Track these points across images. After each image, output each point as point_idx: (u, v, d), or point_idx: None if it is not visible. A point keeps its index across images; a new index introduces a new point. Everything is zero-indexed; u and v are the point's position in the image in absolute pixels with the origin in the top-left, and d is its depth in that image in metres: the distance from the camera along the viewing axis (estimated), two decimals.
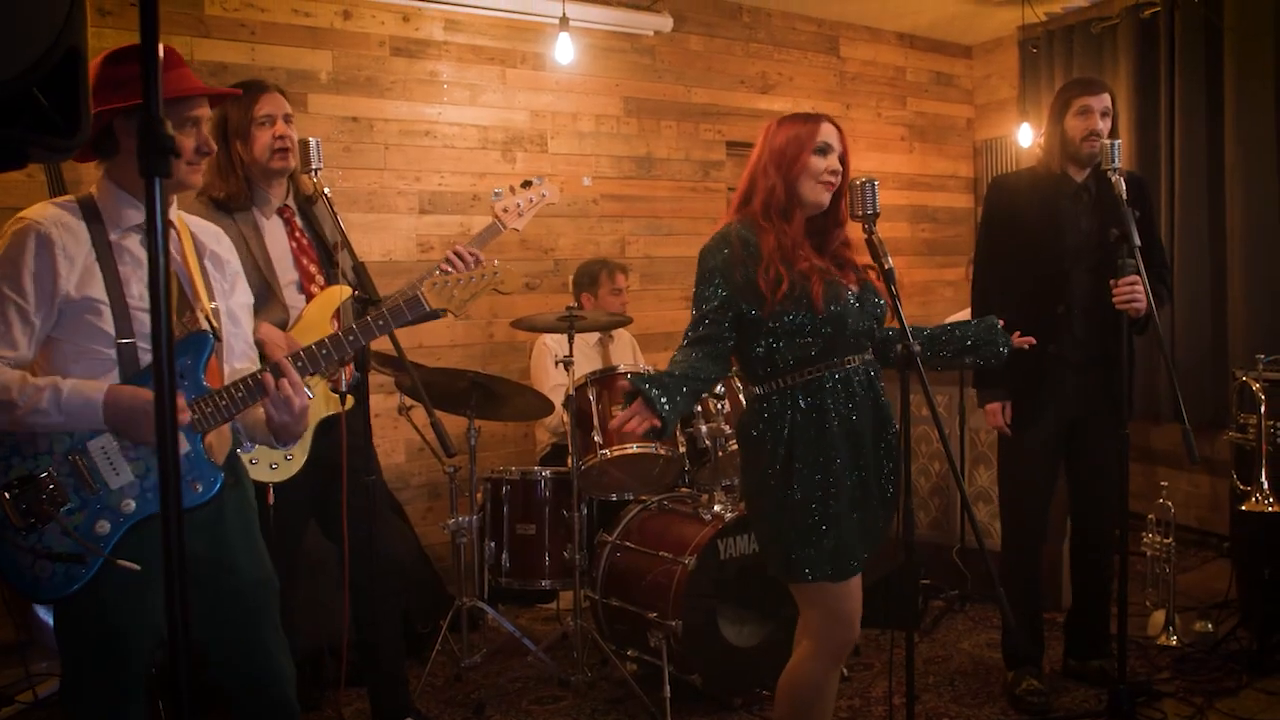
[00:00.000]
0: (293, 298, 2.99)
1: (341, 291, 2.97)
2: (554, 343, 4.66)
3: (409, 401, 3.92)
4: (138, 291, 2.16)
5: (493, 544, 3.98)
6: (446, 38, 5.06)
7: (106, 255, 2.14)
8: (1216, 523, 5.35)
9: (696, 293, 2.56)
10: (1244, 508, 3.71)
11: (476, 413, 3.91)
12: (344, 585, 2.93)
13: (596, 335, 4.79)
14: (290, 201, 3.09)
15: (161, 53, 2.16)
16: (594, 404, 3.82)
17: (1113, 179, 3.15)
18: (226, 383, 2.20)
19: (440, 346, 5.04)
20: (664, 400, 2.38)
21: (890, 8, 6.29)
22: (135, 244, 2.20)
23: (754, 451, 2.58)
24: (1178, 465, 5.56)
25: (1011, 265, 3.49)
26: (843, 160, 2.57)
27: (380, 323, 2.39)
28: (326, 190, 2.88)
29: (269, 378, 2.16)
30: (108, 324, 2.12)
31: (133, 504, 2.11)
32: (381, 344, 2.72)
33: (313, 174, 2.87)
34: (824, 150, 2.53)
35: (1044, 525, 3.63)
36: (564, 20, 4.99)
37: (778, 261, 2.47)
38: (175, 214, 2.30)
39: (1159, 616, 4.05)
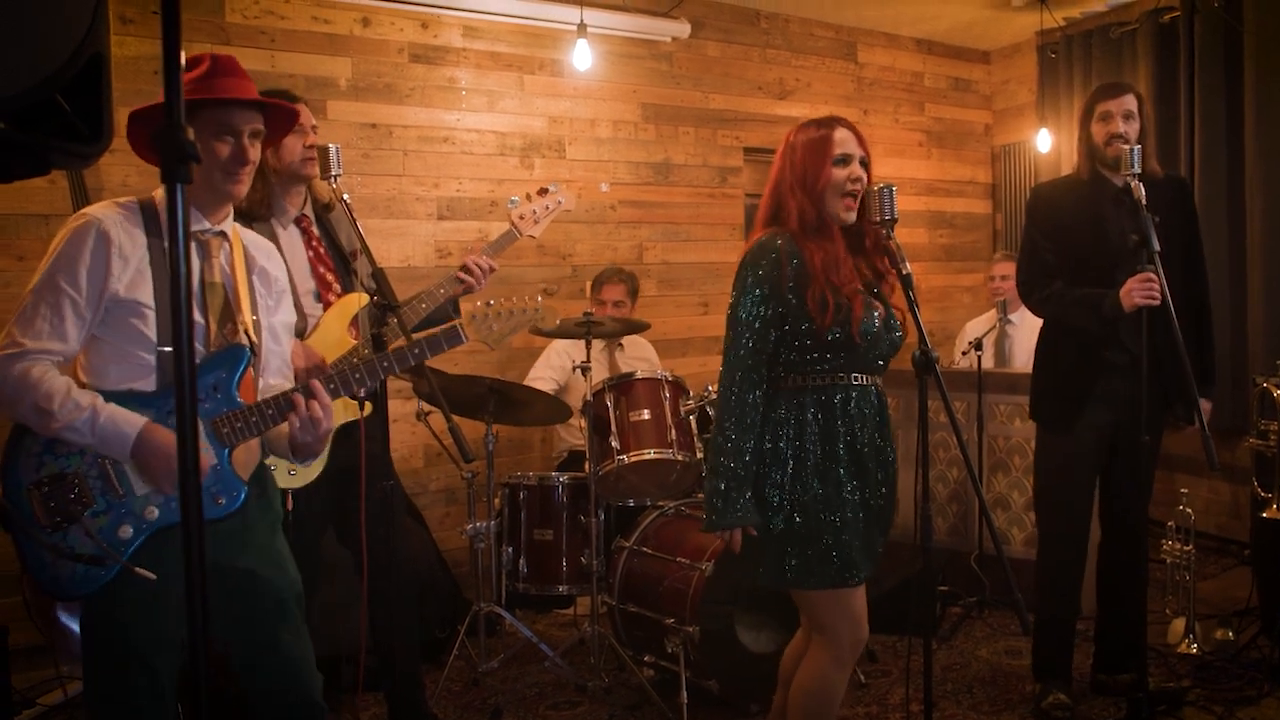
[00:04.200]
0: (310, 306, 3.03)
1: (359, 299, 3.02)
2: (554, 352, 4.70)
3: (427, 407, 3.93)
4: None
5: (510, 549, 3.99)
6: (465, 44, 5.09)
7: (159, 260, 2.17)
8: (1237, 530, 5.32)
9: (738, 303, 2.51)
10: (1265, 515, 3.71)
11: (494, 418, 3.93)
12: (362, 591, 2.94)
13: (603, 341, 4.79)
14: (307, 211, 3.13)
15: (212, 61, 2.18)
16: (611, 410, 3.82)
17: (1131, 184, 3.13)
18: (259, 399, 2.22)
19: (457, 352, 4.97)
20: (739, 510, 2.45)
21: (908, 13, 6.28)
22: (190, 251, 2.22)
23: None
24: (1198, 472, 5.52)
25: (1063, 272, 3.45)
26: (864, 164, 2.54)
27: (416, 351, 2.41)
28: (346, 196, 2.90)
29: (299, 398, 2.17)
30: (150, 329, 2.14)
31: (156, 511, 2.13)
32: None
33: (332, 180, 2.90)
34: (844, 161, 2.52)
35: (1087, 531, 3.59)
36: (582, 26, 5.01)
37: (823, 282, 2.45)
38: (230, 226, 2.32)
39: (1179, 624, 4.02)
